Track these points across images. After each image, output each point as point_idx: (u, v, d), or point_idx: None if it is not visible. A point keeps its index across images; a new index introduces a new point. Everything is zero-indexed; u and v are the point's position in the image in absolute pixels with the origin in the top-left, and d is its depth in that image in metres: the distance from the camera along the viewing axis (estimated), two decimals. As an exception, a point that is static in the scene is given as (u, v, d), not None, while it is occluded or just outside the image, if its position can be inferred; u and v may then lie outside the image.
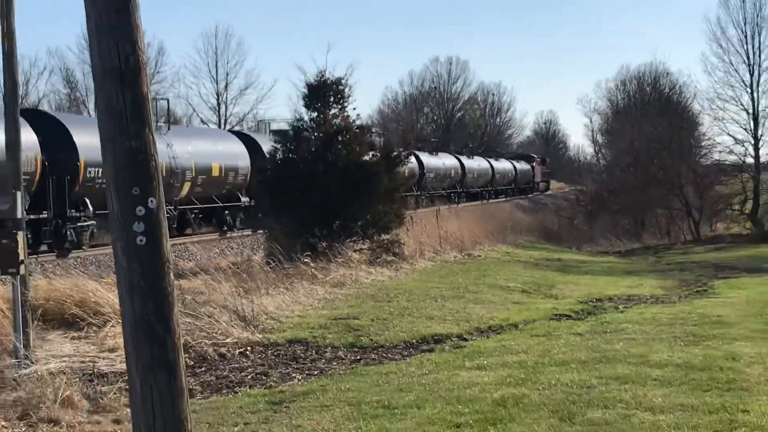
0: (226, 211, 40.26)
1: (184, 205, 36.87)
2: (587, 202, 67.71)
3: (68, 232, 28.06)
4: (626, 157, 63.80)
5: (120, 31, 4.58)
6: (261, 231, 31.88)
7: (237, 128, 68.25)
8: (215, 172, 38.27)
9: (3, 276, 14.89)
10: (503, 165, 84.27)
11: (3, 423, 10.11)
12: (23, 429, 10.01)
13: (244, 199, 39.89)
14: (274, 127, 54.00)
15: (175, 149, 34.90)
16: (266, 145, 38.62)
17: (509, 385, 11.79)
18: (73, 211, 27.88)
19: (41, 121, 28.19)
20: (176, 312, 4.68)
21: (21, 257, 13.55)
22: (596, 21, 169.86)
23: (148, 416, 4.57)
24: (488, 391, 11.45)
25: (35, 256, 25.78)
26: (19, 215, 13.60)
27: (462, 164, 70.23)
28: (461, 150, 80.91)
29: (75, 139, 28.28)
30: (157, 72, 72.76)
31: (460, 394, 11.37)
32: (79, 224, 28.20)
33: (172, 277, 4.70)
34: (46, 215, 26.81)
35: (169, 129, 37.91)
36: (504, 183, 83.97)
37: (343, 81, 27.50)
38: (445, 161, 67.46)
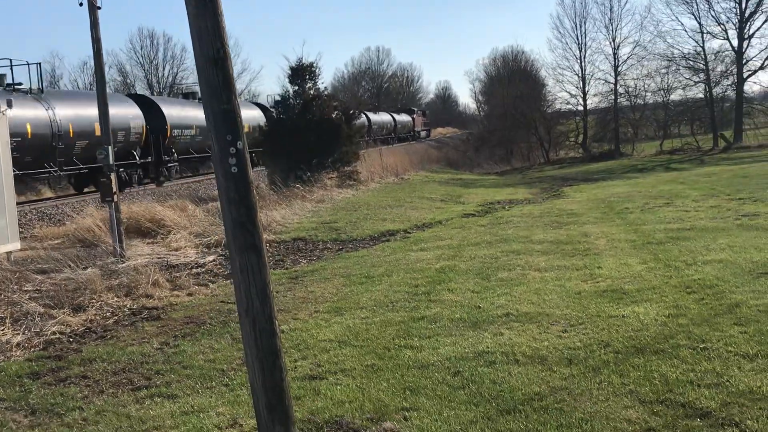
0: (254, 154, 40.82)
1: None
2: (474, 141, 67.87)
3: (162, 170, 29.62)
4: (498, 109, 63.75)
5: (213, 33, 4.65)
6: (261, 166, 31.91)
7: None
8: (247, 129, 38.78)
9: (102, 203, 14.86)
10: (401, 117, 76.41)
11: (116, 299, 10.19)
12: (130, 302, 10.09)
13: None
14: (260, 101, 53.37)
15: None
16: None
17: (444, 260, 12.04)
18: (165, 156, 29.04)
19: (144, 102, 29.84)
20: (258, 214, 4.81)
21: (114, 190, 13.51)
22: (475, 16, 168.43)
23: (245, 281, 4.71)
24: (431, 264, 11.69)
25: (143, 185, 27.14)
26: (110, 162, 13.52)
27: (394, 118, 70.00)
28: (391, 109, 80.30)
29: (164, 111, 30.09)
30: (180, 64, 71.02)
31: (413, 266, 11.59)
32: (168, 165, 29.41)
33: (254, 191, 4.81)
34: (150, 159, 28.63)
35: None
36: (385, 132, 69.29)
37: (314, 64, 27.31)
38: (383, 117, 67.28)
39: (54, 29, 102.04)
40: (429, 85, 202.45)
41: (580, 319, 7.73)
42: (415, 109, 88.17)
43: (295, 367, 6.67)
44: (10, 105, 14.56)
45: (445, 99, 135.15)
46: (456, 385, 6.01)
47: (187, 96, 38.06)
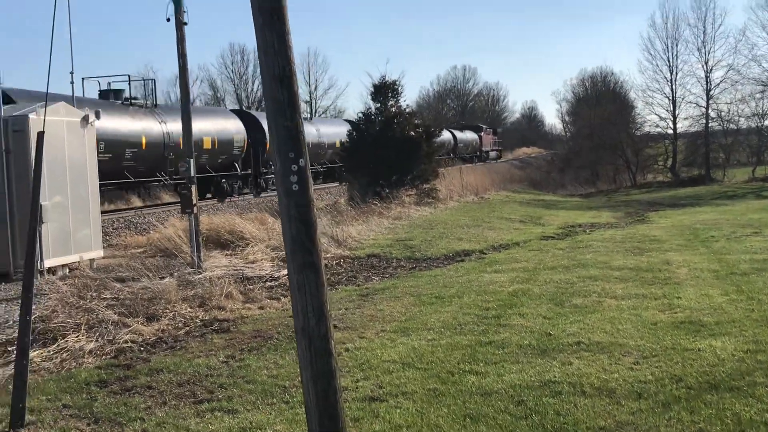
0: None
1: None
2: (558, 161, 66.98)
3: (261, 181, 30.93)
4: (585, 130, 62.81)
5: (280, 52, 4.65)
6: (342, 183, 32.49)
7: (323, 116, 67.88)
8: (338, 144, 39.86)
9: (182, 214, 15.16)
10: (463, 135, 65.21)
11: (189, 309, 10.32)
12: (203, 313, 10.21)
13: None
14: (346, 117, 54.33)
15: (321, 130, 36.98)
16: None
17: (518, 283, 11.84)
18: (263, 168, 29.97)
19: (245, 116, 31.39)
20: (317, 232, 4.77)
21: (194, 202, 13.76)
22: (564, 36, 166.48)
23: (302, 299, 4.67)
24: (504, 287, 11.50)
25: (242, 195, 28.31)
26: (192, 174, 13.78)
27: (454, 136, 62.93)
28: (452, 125, 78.94)
29: (263, 125, 30.73)
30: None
31: (486, 288, 11.43)
32: (266, 177, 30.42)
33: (314, 210, 4.79)
34: (250, 171, 30.04)
35: (311, 118, 39.40)
36: (443, 152, 53.52)
37: (397, 82, 27.41)
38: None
39: (150, 44, 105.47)
40: (515, 104, 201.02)
41: (654, 351, 7.44)
42: (484, 126, 77.63)
43: (357, 388, 6.60)
44: (98, 116, 15.02)
45: (530, 119, 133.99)
46: (518, 415, 5.84)
47: None
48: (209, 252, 15.61)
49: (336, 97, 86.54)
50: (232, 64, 68.70)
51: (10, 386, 7.07)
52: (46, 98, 6.00)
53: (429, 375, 6.95)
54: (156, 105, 24.98)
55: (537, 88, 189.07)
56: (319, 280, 4.75)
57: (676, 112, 56.90)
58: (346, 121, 47.34)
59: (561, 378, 6.72)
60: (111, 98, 24.01)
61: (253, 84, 68.87)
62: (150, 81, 25.74)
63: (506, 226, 21.84)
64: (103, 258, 14.95)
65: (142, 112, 23.60)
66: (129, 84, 24.39)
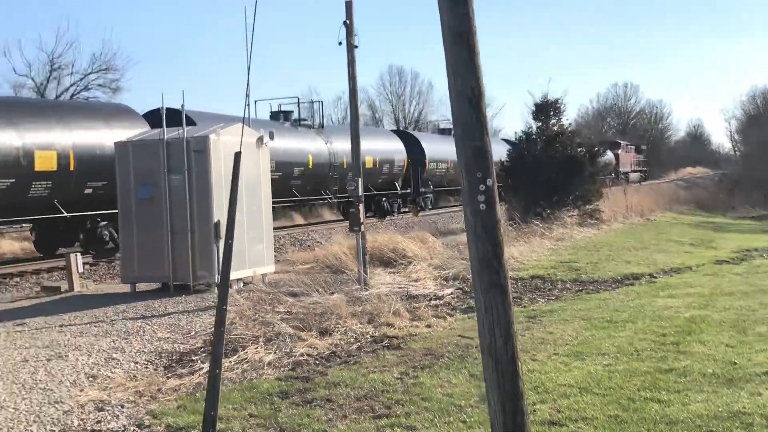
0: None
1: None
2: (727, 182, 63.86)
3: (419, 200, 31.74)
4: (757, 149, 59.69)
5: (469, 72, 4.69)
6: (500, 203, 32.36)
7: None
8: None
9: (350, 232, 15.53)
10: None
11: (359, 325, 10.52)
12: (372, 329, 10.37)
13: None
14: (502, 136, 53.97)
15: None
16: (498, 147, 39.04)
17: (694, 308, 11.34)
18: (422, 188, 30.55)
19: (405, 137, 31.94)
20: (504, 252, 4.76)
21: (361, 220, 14.06)
22: (732, 50, 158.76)
23: (488, 319, 4.68)
24: (680, 312, 11.05)
25: (401, 213, 28.88)
26: (359, 194, 14.10)
27: (616, 155, 59.89)
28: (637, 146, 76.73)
29: (423, 146, 31.63)
30: (426, 100, 73.21)
31: (660, 314, 11.02)
32: (425, 196, 30.89)
33: (501, 229, 4.78)
34: (409, 191, 31.07)
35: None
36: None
37: (559, 101, 27.01)
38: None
39: (315, 66, 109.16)
40: (679, 122, 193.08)
41: None
42: (622, 142, 67.33)
43: (534, 411, 6.51)
44: (272, 137, 15.66)
45: (696, 137, 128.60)
46: (708, 447, 5.58)
47: (443, 132, 39.97)
48: (373, 269, 15.86)
49: (493, 117, 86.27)
50: (390, 85, 69.99)
51: (197, 394, 7.48)
52: (243, 121, 6.33)
53: (608, 401, 6.76)
54: (323, 126, 25.86)
55: (703, 105, 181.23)
56: (506, 300, 4.74)
57: None
58: (503, 140, 47.15)
59: (751, 409, 6.37)
60: (281, 119, 25.05)
61: (410, 105, 69.89)
62: (318, 103, 26.78)
63: (676, 248, 20.96)
64: (274, 273, 15.52)
65: (310, 132, 24.54)
66: (298, 106, 25.40)
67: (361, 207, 14.05)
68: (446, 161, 34.84)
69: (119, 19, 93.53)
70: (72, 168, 19.41)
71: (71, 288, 14.85)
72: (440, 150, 34.76)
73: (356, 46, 13.62)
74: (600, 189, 27.55)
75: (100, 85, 47.36)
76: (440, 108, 74.88)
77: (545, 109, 26.68)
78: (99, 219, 20.61)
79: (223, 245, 13.74)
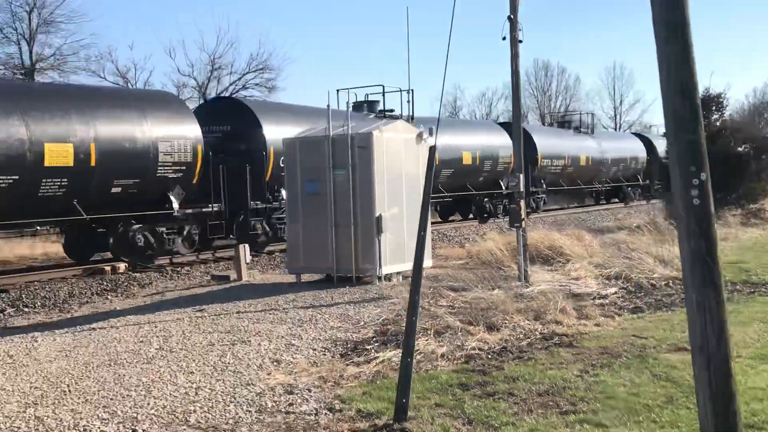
0: (629, 188, 39.99)
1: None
2: None
3: (530, 200, 29.13)
4: None
5: (682, 65, 4.60)
6: (652, 201, 31.20)
7: (627, 131, 65.94)
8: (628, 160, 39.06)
9: (509, 228, 15.46)
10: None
11: (526, 321, 10.47)
12: (540, 326, 10.30)
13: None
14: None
15: (603, 146, 35.72)
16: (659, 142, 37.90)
17: None
18: (533, 187, 28.86)
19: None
20: (718, 248, 4.66)
21: (523, 216, 14.01)
22: None
23: (701, 318, 4.59)
24: None
25: (506, 216, 27.85)
26: (521, 189, 14.04)
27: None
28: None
29: (535, 140, 30.49)
30: (573, 95, 71.77)
31: None
32: (536, 196, 29.29)
33: (714, 225, 4.68)
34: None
35: (592, 132, 38.10)
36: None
37: (722, 95, 25.95)
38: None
39: (458, 61, 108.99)
40: None
41: None
42: None
43: (728, 414, 6.31)
44: (431, 132, 15.79)
45: None
46: None
47: (562, 125, 38.15)
48: (531, 266, 15.74)
49: (642, 112, 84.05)
50: (536, 80, 69.06)
51: (377, 382, 7.68)
52: (438, 123, 6.44)
53: (807, 407, 6.47)
54: (412, 117, 22.98)
55: None
56: (719, 297, 4.65)
57: None
58: (635, 134, 45.11)
59: None
60: (364, 110, 23.47)
61: (556, 100, 68.75)
62: (408, 92, 23.40)
63: None
64: (431, 267, 15.67)
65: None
66: (383, 95, 23.94)
67: (523, 203, 13.98)
68: (563, 157, 32.60)
69: (276, 18, 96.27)
70: (93, 164, 16.90)
71: (239, 277, 15.54)
72: (555, 145, 32.30)
73: (521, 41, 13.56)
74: (765, 187, 26.22)
75: (257, 84, 48.76)
76: (587, 104, 73.32)
77: (707, 104, 25.63)
78: (133, 222, 18.28)
79: (383, 239, 14.06)
